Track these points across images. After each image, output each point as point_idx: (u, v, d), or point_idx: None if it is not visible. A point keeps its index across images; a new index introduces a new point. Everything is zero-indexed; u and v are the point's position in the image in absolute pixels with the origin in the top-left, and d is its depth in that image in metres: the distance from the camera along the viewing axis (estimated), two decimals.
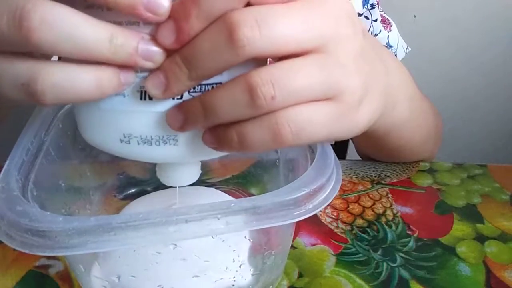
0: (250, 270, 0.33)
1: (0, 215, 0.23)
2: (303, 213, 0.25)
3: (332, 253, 0.39)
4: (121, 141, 0.25)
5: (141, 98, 0.23)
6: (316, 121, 0.23)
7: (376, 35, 0.55)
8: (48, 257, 0.38)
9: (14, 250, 0.36)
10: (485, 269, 0.38)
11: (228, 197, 0.42)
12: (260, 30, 0.20)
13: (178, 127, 0.23)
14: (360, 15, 0.54)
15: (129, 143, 0.24)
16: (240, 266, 0.32)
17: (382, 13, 0.57)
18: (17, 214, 0.23)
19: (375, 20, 0.55)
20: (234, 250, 0.31)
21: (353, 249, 0.39)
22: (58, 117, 0.34)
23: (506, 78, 1.17)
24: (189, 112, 0.23)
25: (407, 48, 0.59)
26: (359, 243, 0.40)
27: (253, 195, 0.44)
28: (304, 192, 0.25)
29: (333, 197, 0.26)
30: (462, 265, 0.38)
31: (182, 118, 0.23)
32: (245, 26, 0.20)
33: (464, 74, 1.15)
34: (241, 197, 0.27)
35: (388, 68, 0.34)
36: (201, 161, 0.30)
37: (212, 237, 0.26)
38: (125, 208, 0.41)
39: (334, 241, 0.40)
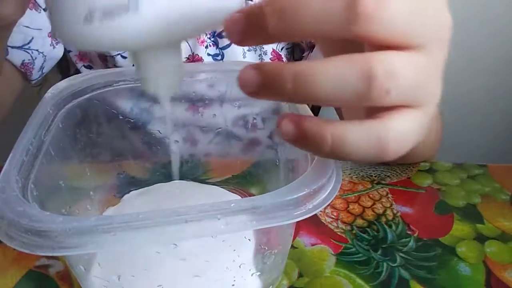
0: (250, 270, 0.33)
1: (0, 215, 0.23)
2: (303, 213, 0.25)
3: (332, 253, 0.39)
4: (85, 19, 0.22)
5: None
6: (414, 133, 0.21)
7: None
8: (48, 257, 0.38)
9: (14, 250, 0.37)
10: (485, 269, 0.38)
11: (231, 195, 0.42)
12: (386, 10, 0.18)
13: (250, 91, 0.20)
14: None
15: (92, 21, 0.22)
16: (240, 266, 0.32)
17: None
18: (17, 214, 0.23)
19: None
20: (234, 250, 0.31)
21: (353, 249, 0.39)
22: (58, 117, 0.34)
23: (506, 78, 1.17)
24: (274, 77, 0.19)
25: None
26: (359, 243, 0.40)
27: (253, 195, 0.44)
28: (304, 192, 0.25)
29: (333, 197, 0.26)
30: (462, 265, 0.38)
31: (260, 81, 0.20)
32: (370, 1, 0.18)
33: (464, 75, 1.15)
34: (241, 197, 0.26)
35: None
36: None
37: (212, 237, 0.26)
38: (122, 200, 0.41)
39: (334, 241, 0.40)
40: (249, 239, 0.32)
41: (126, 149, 0.45)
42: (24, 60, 0.52)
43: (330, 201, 0.26)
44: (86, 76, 0.38)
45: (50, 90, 0.35)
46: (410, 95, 0.20)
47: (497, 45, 1.12)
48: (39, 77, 0.56)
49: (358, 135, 0.20)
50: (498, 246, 0.41)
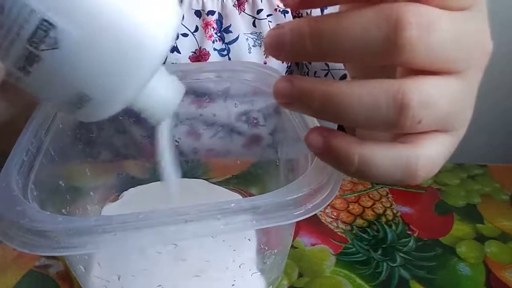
0: (250, 270, 0.33)
1: (0, 215, 0.23)
2: (303, 213, 0.25)
3: (332, 253, 0.39)
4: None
5: None
6: (442, 157, 0.21)
7: None
8: (48, 257, 0.38)
9: (14, 250, 0.37)
10: (485, 269, 0.38)
11: (231, 194, 0.42)
12: (430, 38, 0.18)
13: (282, 102, 0.20)
14: None
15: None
16: (240, 266, 0.32)
17: None
18: (17, 214, 0.23)
19: None
20: (234, 250, 0.31)
21: (353, 249, 0.39)
22: (58, 117, 0.34)
23: (506, 78, 1.17)
24: (304, 93, 0.19)
25: None
26: (359, 243, 0.40)
27: (253, 195, 0.44)
28: (304, 192, 0.25)
29: (333, 197, 0.26)
30: (462, 265, 0.38)
31: (291, 94, 0.19)
32: (414, 29, 0.17)
33: None
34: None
35: None
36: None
37: (212, 237, 0.26)
38: (122, 196, 0.41)
39: (334, 241, 0.40)
40: (249, 239, 0.32)
41: (126, 149, 0.45)
42: None
43: (330, 201, 0.26)
44: None
45: None
46: (443, 122, 0.20)
47: (497, 45, 1.12)
48: None
49: (386, 159, 0.19)
50: (498, 246, 0.41)
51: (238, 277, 0.32)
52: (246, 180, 0.46)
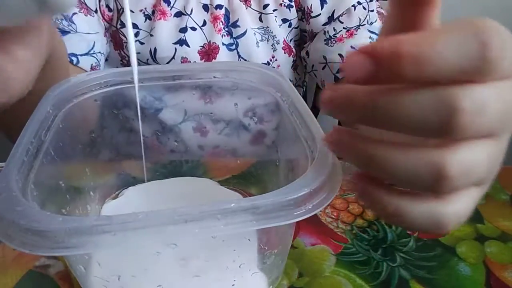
0: (250, 270, 0.33)
1: (0, 215, 0.23)
2: (303, 213, 0.25)
3: (332, 253, 0.39)
4: None
5: None
6: (471, 209, 0.22)
7: (371, 23, 0.57)
8: (48, 257, 0.38)
9: (14, 250, 0.37)
10: (485, 269, 0.38)
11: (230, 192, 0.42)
12: (480, 119, 0.18)
13: (330, 147, 0.22)
14: (359, 3, 0.56)
15: None
16: (240, 266, 0.32)
17: (379, 8, 0.59)
18: (17, 214, 0.23)
19: (372, 11, 0.57)
20: (234, 250, 0.31)
21: (353, 249, 0.39)
22: (58, 117, 0.34)
23: None
24: (348, 150, 0.21)
25: None
26: (359, 243, 0.40)
27: (253, 195, 0.44)
28: (304, 192, 0.25)
29: (333, 197, 0.26)
30: (462, 265, 0.38)
31: (336, 145, 0.21)
32: (467, 114, 0.18)
33: None
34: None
35: None
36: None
37: (212, 237, 0.26)
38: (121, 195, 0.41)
39: (334, 241, 0.40)
40: (249, 239, 0.32)
41: (127, 149, 0.45)
42: (92, 64, 0.54)
43: (330, 201, 0.26)
44: (87, 76, 0.38)
45: (50, 90, 0.35)
46: (477, 182, 0.21)
47: None
48: None
49: (420, 214, 0.21)
50: (498, 246, 0.41)
51: (238, 277, 0.32)
52: (246, 180, 0.46)
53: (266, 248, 0.32)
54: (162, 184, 0.44)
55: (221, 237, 0.28)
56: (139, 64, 0.53)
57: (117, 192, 0.43)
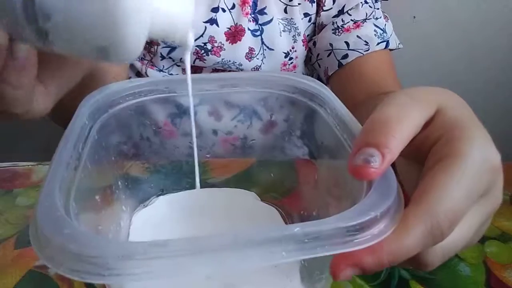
0: None
1: (47, 239, 0.21)
2: (368, 240, 0.23)
3: None
4: None
5: None
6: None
7: (377, 18, 0.60)
8: None
9: (14, 250, 0.36)
10: (485, 269, 0.38)
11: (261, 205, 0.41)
12: (444, 258, 0.25)
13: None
14: (366, 2, 0.60)
15: None
16: None
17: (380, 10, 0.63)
18: (65, 237, 0.21)
19: (378, 9, 0.61)
20: (286, 277, 0.29)
21: None
22: (94, 128, 0.32)
23: (506, 78, 1.15)
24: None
25: (399, 44, 0.63)
26: None
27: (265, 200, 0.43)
28: (370, 216, 0.23)
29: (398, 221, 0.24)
30: (462, 265, 0.38)
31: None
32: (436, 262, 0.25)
33: (464, 74, 1.14)
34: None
35: None
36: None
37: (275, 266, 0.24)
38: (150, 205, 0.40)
39: None
40: (306, 264, 0.30)
41: (161, 160, 0.43)
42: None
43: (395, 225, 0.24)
44: (120, 86, 0.36)
45: (84, 101, 0.34)
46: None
47: (497, 45, 1.11)
48: None
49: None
50: (498, 246, 0.40)
51: None
52: (246, 180, 0.45)
53: (318, 272, 0.30)
54: (191, 194, 0.42)
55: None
56: (165, 43, 0.52)
57: (146, 202, 0.42)
